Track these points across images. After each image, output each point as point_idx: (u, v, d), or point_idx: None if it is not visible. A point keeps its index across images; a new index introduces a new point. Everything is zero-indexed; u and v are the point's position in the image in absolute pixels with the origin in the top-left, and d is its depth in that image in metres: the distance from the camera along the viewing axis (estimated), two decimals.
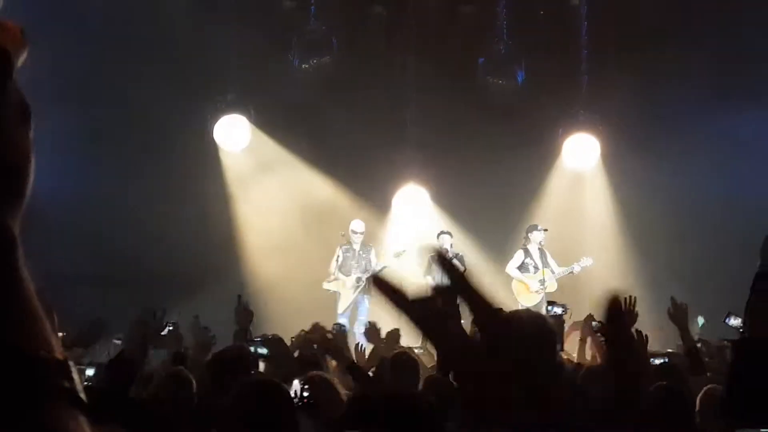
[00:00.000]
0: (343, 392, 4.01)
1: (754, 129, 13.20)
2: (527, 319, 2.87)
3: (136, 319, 5.53)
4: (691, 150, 13.53)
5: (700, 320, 12.15)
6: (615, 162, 14.43)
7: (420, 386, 4.97)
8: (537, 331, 2.80)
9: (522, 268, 13.62)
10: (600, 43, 14.07)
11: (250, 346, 5.71)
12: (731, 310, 8.83)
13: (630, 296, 6.19)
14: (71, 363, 0.75)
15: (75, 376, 0.74)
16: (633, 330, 3.68)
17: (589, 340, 7.97)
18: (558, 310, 8.94)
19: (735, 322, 8.65)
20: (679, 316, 6.53)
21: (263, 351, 5.70)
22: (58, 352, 0.74)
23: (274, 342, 5.79)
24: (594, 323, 7.56)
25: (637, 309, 5.90)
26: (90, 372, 6.46)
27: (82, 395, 0.74)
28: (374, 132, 14.30)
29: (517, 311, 2.78)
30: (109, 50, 13.66)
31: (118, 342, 10.04)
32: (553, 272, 13.51)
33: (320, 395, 3.83)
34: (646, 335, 5.53)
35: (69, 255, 13.52)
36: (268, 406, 2.96)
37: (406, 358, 6.12)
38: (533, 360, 2.73)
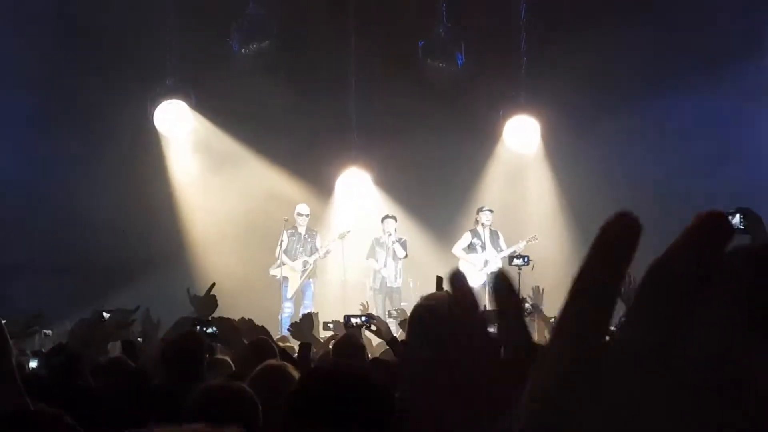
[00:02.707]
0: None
1: (693, 112, 13.39)
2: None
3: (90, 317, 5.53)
4: (631, 132, 13.71)
5: None
6: (556, 143, 14.56)
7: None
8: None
9: (470, 248, 13.77)
10: (539, 25, 14.16)
11: (198, 325, 5.73)
12: None
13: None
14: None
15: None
16: None
17: None
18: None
19: None
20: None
21: (211, 330, 5.74)
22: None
23: (222, 322, 5.81)
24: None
25: None
26: (33, 364, 6.42)
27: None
28: (316, 116, 14.27)
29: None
30: (48, 36, 13.42)
31: (49, 333, 9.86)
32: (501, 251, 13.65)
33: (277, 384, 3.83)
34: None
35: (7, 244, 13.30)
36: (233, 412, 2.94)
37: (354, 340, 6.18)
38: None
